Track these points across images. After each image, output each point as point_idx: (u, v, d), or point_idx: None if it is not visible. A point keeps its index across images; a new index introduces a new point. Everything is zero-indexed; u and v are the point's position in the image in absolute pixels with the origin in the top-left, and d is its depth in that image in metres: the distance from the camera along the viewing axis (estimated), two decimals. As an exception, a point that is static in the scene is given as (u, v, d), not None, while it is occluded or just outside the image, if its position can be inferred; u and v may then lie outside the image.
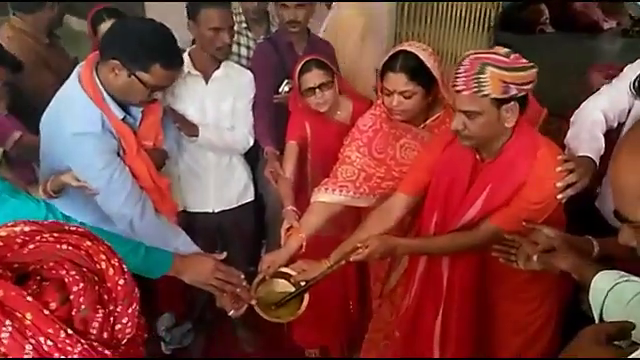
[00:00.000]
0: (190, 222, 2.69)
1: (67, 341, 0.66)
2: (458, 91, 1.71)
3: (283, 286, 2.03)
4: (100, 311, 0.70)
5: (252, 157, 2.87)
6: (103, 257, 0.75)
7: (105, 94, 1.92)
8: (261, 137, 2.67)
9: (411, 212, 2.16)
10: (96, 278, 0.73)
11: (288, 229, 2.18)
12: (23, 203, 1.58)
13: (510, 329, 2.14)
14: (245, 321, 3.02)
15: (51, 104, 1.98)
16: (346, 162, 2.25)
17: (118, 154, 1.97)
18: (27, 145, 2.38)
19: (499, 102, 1.69)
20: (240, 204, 2.84)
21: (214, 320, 3.04)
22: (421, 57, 2.00)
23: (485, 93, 1.67)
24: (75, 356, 0.66)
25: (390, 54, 2.07)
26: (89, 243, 0.76)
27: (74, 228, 0.79)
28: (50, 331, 0.66)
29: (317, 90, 2.42)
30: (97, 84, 1.91)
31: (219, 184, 2.75)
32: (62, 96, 1.98)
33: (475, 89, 1.67)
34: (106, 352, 0.69)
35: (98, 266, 0.74)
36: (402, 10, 4.69)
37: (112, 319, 0.72)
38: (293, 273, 2.03)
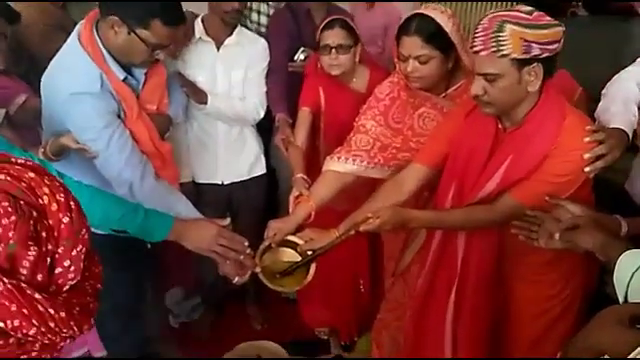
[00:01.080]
0: (199, 193, 2.65)
1: None
2: (476, 52, 1.59)
3: (289, 255, 1.95)
4: (33, 249, 0.60)
5: (265, 129, 2.78)
6: (46, 191, 0.65)
7: (106, 53, 1.85)
8: (274, 104, 2.61)
9: (428, 186, 2.05)
10: (35, 213, 0.63)
11: (297, 197, 2.09)
12: None
13: (528, 314, 2.01)
14: (255, 298, 3.04)
15: (51, 64, 1.91)
16: (361, 131, 2.14)
17: (119, 116, 1.90)
18: (32, 108, 2.31)
19: (520, 63, 1.56)
20: (251, 177, 2.77)
21: (224, 295, 3.01)
22: (438, 20, 1.88)
23: (505, 53, 1.54)
24: None
25: (405, 17, 1.95)
26: (32, 175, 0.66)
27: (22, 160, 0.69)
28: None
29: (333, 50, 2.35)
30: (97, 43, 1.84)
31: (229, 155, 2.68)
32: (61, 55, 1.90)
33: (494, 49, 1.54)
34: (36, 296, 0.59)
35: (40, 201, 0.64)
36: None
37: (49, 260, 0.62)
38: (300, 242, 1.94)
